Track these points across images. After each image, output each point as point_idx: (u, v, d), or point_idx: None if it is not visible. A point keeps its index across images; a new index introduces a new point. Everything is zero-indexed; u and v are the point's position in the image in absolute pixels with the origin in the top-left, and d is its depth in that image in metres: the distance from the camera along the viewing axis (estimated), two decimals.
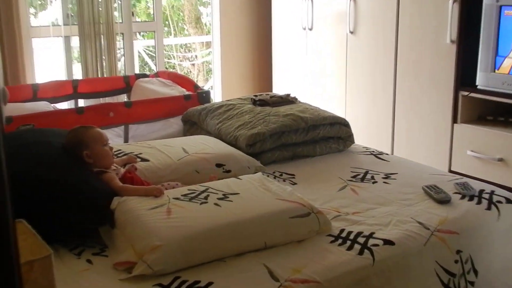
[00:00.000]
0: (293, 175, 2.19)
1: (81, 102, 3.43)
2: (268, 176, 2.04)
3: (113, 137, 2.75)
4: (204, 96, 3.07)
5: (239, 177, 1.86)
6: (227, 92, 4.60)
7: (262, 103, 2.71)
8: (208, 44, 5.78)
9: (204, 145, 2.22)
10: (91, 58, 3.74)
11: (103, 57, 3.80)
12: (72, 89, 3.34)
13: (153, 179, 1.92)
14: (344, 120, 2.57)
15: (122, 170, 1.85)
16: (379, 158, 2.39)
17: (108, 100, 3.46)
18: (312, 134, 2.44)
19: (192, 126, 2.86)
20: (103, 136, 1.84)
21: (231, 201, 1.63)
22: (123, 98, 3.57)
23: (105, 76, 3.81)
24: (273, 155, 2.34)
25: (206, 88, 4.75)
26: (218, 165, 2.06)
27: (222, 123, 2.55)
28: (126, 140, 2.85)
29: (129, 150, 2.14)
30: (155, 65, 4.58)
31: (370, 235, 1.60)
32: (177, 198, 1.63)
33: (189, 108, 2.87)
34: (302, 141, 2.42)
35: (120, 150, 2.14)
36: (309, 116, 2.46)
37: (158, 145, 2.21)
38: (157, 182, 1.90)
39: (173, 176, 1.98)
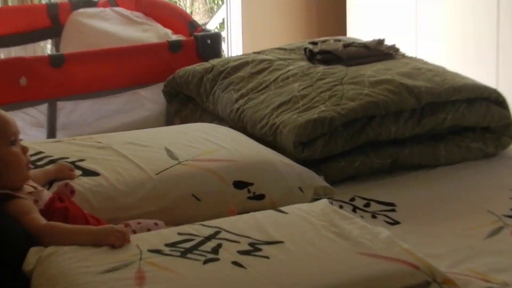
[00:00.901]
0: (392, 204, 2.21)
1: None
2: (341, 207, 2.05)
3: (28, 127, 2.77)
4: (208, 44, 3.09)
5: (282, 208, 1.88)
6: (253, 37, 4.61)
7: (328, 58, 2.73)
8: None
9: (209, 143, 2.25)
10: None
11: None
12: None
13: (108, 212, 1.94)
14: (497, 93, 2.57)
15: (48, 193, 1.87)
16: None
17: (17, 52, 3.50)
18: (430, 121, 2.45)
19: (185, 105, 2.90)
20: (9, 126, 1.85)
21: (267, 257, 1.64)
22: (48, 48, 3.59)
23: (10, 4, 3.85)
24: (350, 164, 2.37)
25: (211, 28, 4.75)
26: (239, 185, 2.09)
27: (247, 98, 2.58)
28: (52, 134, 2.87)
29: (60, 153, 2.16)
30: None
31: None
32: (156, 251, 1.65)
33: (179, 69, 2.90)
34: (410, 136, 2.44)
35: (41, 152, 2.16)
36: (425, 85, 2.47)
37: (117, 144, 2.24)
38: (116, 218, 1.91)
39: (147, 206, 2.00)
